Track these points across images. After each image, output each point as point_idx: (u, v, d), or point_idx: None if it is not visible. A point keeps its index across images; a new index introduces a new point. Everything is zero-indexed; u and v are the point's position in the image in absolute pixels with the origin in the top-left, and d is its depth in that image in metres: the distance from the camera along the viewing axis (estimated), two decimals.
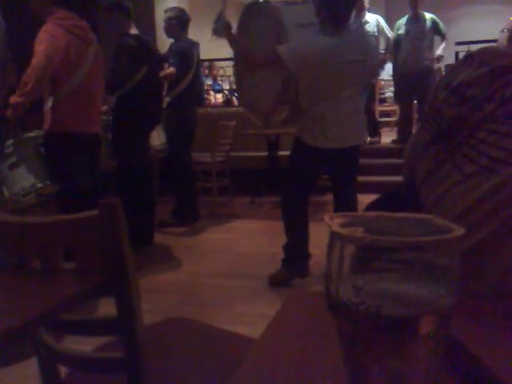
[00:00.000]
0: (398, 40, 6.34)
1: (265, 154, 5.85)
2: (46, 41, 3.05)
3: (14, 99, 3.01)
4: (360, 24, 6.38)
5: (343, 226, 0.48)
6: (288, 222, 3.33)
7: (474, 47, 6.89)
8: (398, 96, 6.67)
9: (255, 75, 3.32)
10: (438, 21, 6.29)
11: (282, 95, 3.29)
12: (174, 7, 4.81)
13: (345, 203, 3.36)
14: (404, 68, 6.26)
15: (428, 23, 6.22)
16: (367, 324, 0.44)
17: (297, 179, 3.30)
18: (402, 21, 6.37)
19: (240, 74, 3.52)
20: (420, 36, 6.17)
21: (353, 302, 0.44)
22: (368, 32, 6.40)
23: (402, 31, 6.31)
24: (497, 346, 0.67)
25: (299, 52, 3.02)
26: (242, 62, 3.35)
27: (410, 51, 6.19)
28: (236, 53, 3.33)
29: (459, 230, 0.45)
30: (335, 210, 3.43)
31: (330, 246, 0.48)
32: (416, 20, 6.24)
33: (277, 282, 3.35)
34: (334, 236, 0.48)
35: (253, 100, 3.48)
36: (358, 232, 0.47)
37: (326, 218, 0.50)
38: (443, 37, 6.29)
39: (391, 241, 0.45)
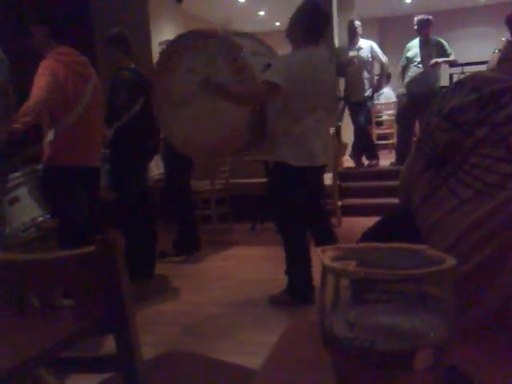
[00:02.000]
0: (406, 62, 6.39)
1: (264, 180, 5.86)
2: (46, 76, 3.09)
3: (16, 125, 3.03)
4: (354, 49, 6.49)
5: (335, 259, 0.48)
6: (291, 251, 3.30)
7: (468, 69, 6.99)
8: (401, 118, 6.67)
9: (178, 113, 3.34)
10: (445, 45, 6.30)
11: (253, 123, 3.25)
12: (168, 40, 4.88)
13: (326, 222, 3.46)
14: (410, 90, 6.29)
15: (436, 48, 6.26)
16: (362, 359, 0.43)
17: (291, 205, 3.27)
18: (412, 43, 6.42)
19: (164, 118, 3.51)
20: (427, 60, 6.20)
21: (347, 338, 0.44)
22: (362, 58, 6.50)
23: (410, 54, 6.35)
24: (502, 375, 0.67)
25: (288, 69, 3.02)
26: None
27: (418, 74, 6.22)
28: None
29: (451, 261, 0.45)
30: (318, 232, 3.45)
31: (323, 279, 0.48)
32: (426, 44, 6.28)
33: (277, 303, 3.38)
34: (326, 270, 0.48)
35: (190, 140, 3.39)
36: (351, 266, 0.47)
37: (318, 251, 0.50)
38: (449, 57, 6.30)
39: (384, 274, 0.45)
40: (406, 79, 6.38)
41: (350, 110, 6.74)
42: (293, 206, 3.27)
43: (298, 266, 3.29)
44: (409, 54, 6.36)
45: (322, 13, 3.22)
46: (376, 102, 9.36)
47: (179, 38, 3.50)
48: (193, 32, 3.47)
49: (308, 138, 3.14)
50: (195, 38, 3.33)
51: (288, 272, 3.35)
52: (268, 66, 3.16)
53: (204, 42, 3.26)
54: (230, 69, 3.17)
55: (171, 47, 3.48)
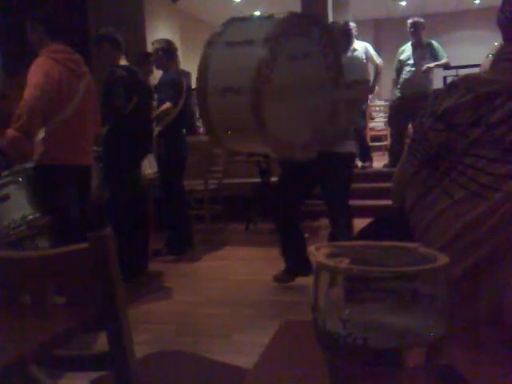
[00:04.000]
0: (399, 65, 6.42)
1: (257, 180, 5.86)
2: (39, 74, 3.08)
3: (10, 133, 3.00)
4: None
5: (329, 256, 0.48)
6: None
7: (462, 71, 7.02)
8: (394, 119, 6.68)
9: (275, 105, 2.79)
10: (438, 47, 6.34)
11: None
12: (161, 39, 4.87)
13: None
14: (403, 92, 6.32)
15: (428, 50, 6.30)
16: (355, 356, 0.43)
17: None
18: (405, 46, 6.47)
19: (260, 111, 2.74)
20: (420, 62, 6.23)
21: (340, 335, 0.44)
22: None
23: (403, 56, 6.39)
24: (495, 375, 0.67)
25: None
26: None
27: (411, 76, 6.25)
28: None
29: (444, 259, 0.46)
30: None
31: (316, 276, 0.48)
32: (418, 46, 6.32)
33: (281, 281, 3.69)
34: (319, 267, 0.48)
35: (286, 137, 2.89)
36: (344, 263, 0.47)
37: (312, 248, 0.50)
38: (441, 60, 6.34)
39: (377, 271, 0.45)
40: (400, 81, 6.41)
41: None
42: None
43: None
44: (402, 57, 6.41)
45: None
46: (370, 103, 9.38)
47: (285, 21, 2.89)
48: (302, 15, 3.16)
49: None
50: (298, 22, 2.93)
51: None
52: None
53: (306, 28, 2.88)
54: (322, 63, 2.97)
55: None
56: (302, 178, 3.43)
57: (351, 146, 3.45)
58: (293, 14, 2.86)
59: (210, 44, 2.89)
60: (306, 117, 2.93)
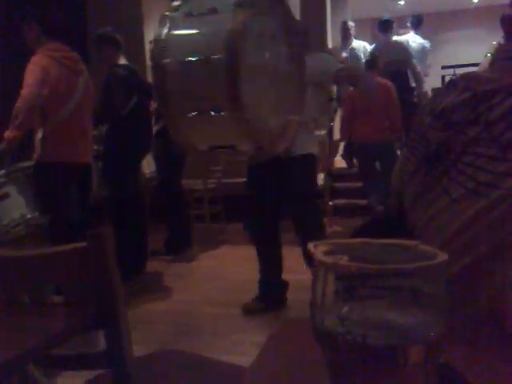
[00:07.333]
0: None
1: None
2: (36, 72, 3.07)
3: (7, 134, 3.03)
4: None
5: (327, 254, 0.48)
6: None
7: (460, 71, 7.03)
8: None
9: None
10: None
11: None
12: None
13: None
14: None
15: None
16: (354, 354, 0.43)
17: None
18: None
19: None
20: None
21: (338, 332, 0.44)
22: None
23: None
24: (494, 373, 0.67)
25: None
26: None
27: None
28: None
29: (443, 256, 0.45)
30: None
31: (315, 274, 0.48)
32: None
33: (251, 312, 3.33)
34: (318, 264, 0.48)
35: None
36: (343, 260, 0.46)
37: (310, 246, 0.50)
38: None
39: (376, 269, 0.45)
40: None
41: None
42: None
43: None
44: None
45: None
46: None
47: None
48: None
49: None
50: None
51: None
52: None
53: (271, 6, 2.47)
54: (287, 52, 2.59)
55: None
56: (271, 181, 3.21)
57: (313, 147, 3.26)
58: None
59: (165, 17, 2.50)
60: (276, 104, 2.51)
